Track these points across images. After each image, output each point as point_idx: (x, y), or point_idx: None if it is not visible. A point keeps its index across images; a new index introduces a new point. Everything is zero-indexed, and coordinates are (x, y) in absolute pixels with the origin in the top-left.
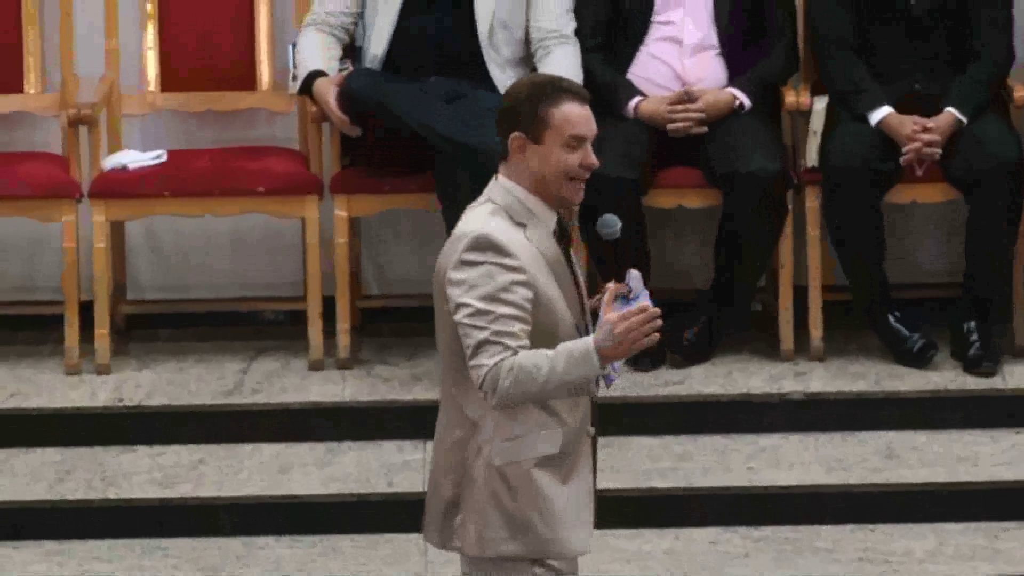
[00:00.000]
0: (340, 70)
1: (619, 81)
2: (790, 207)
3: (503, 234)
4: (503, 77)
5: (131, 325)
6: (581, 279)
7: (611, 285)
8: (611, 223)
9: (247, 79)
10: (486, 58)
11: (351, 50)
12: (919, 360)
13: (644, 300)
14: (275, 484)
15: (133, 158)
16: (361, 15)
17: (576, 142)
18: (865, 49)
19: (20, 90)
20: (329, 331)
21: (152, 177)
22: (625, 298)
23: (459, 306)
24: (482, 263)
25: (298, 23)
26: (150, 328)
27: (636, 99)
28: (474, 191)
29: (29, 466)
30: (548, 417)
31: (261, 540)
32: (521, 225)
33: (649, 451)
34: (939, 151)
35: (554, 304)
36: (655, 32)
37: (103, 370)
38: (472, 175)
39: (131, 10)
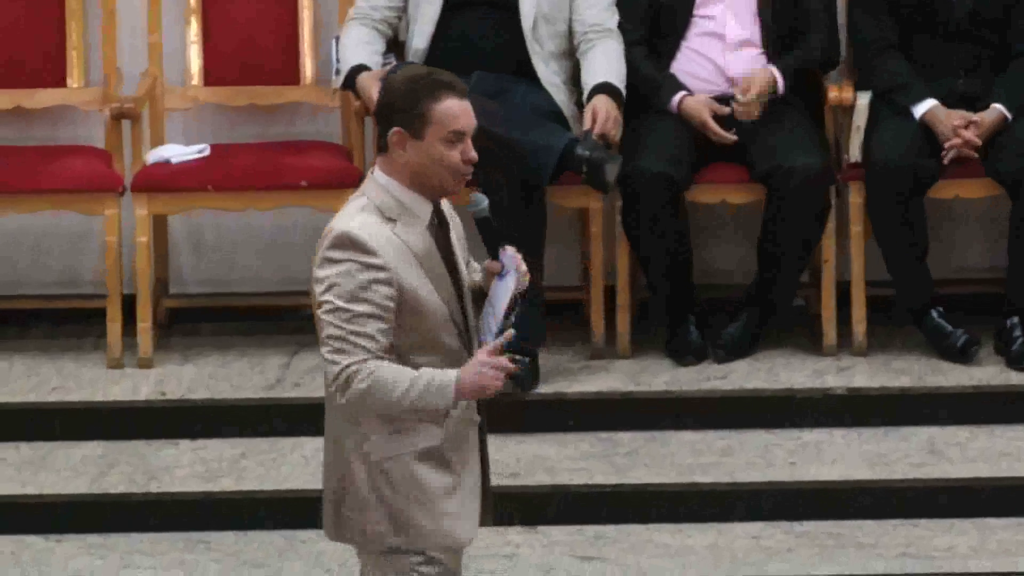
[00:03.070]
0: (383, 65)
1: (662, 76)
2: (833, 203)
3: (367, 231)
4: (547, 71)
5: (173, 319)
6: (463, 269)
7: (487, 262)
8: (478, 200)
9: (290, 74)
10: (530, 52)
11: (395, 45)
12: (962, 356)
13: (511, 279)
14: (317, 478)
15: (176, 152)
16: (405, 9)
17: (456, 137)
18: (907, 51)
19: (63, 84)
20: None
21: (195, 171)
22: (499, 276)
23: (320, 302)
24: (342, 260)
25: (342, 18)
26: (192, 322)
27: (679, 95)
28: (516, 187)
29: (71, 460)
30: None
31: (303, 534)
32: (391, 220)
33: (692, 446)
34: (976, 149)
35: (423, 298)
36: (696, 27)
37: (145, 364)
38: (514, 171)
39: (174, 4)
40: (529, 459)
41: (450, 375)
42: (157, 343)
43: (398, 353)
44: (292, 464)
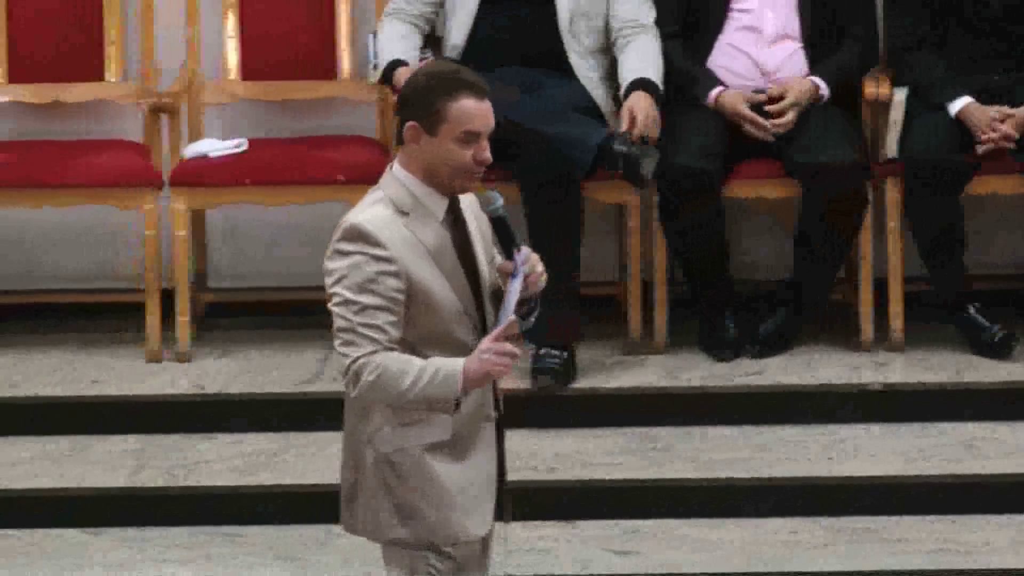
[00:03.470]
0: (421, 59)
1: (699, 71)
2: (870, 198)
3: (376, 224)
4: (583, 66)
5: (211, 313)
6: (482, 262)
7: (501, 262)
8: (493, 199)
9: (327, 68)
10: (566, 47)
11: (432, 40)
12: (999, 351)
13: (517, 282)
14: None
15: (214, 147)
16: (442, 5)
17: (470, 137)
18: (942, 45)
19: (101, 78)
20: None
21: (232, 166)
22: (512, 275)
23: (330, 295)
24: (352, 253)
25: (379, 13)
26: (230, 316)
27: (716, 89)
28: (553, 182)
29: (109, 453)
30: None
31: (340, 528)
32: (404, 214)
33: (727, 441)
34: (1013, 142)
35: (434, 292)
36: (733, 21)
37: (183, 358)
38: (552, 165)
39: None
40: (565, 454)
41: (458, 364)
42: (195, 337)
43: (411, 346)
44: (329, 458)
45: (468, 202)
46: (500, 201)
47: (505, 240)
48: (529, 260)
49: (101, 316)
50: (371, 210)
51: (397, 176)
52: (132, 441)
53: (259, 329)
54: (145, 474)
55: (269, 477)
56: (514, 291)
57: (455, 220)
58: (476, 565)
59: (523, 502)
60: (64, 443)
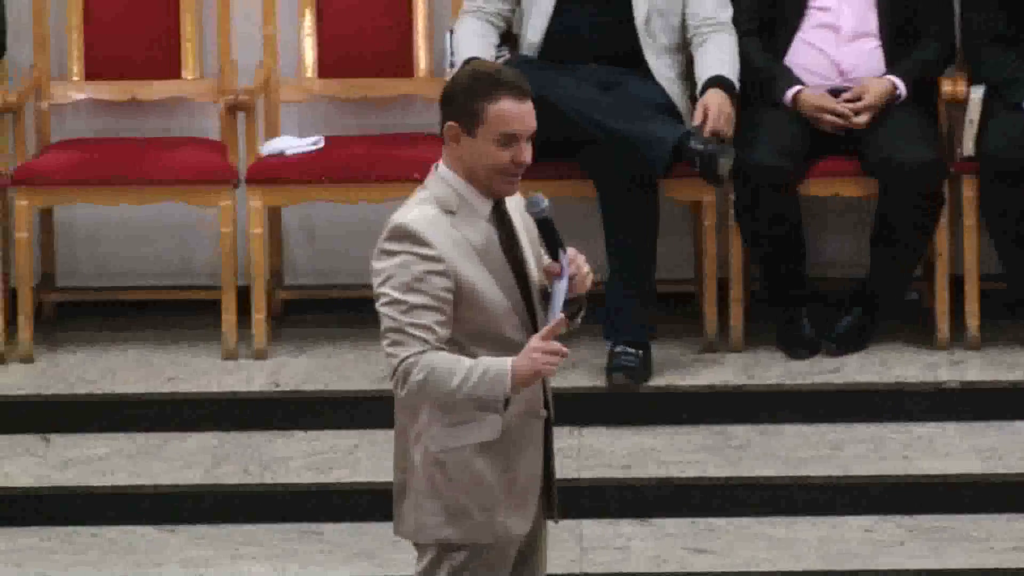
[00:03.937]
0: (497, 57)
1: (776, 69)
2: (947, 196)
3: (423, 223)
4: (659, 64)
5: (287, 311)
6: (530, 261)
7: (546, 264)
8: (538, 202)
9: (404, 66)
10: (643, 45)
11: (509, 38)
12: None
13: (563, 283)
14: None
15: (290, 144)
16: (519, 3)
17: (508, 139)
18: (1018, 43)
19: (178, 76)
20: None
21: (309, 163)
22: (557, 277)
23: (377, 295)
24: (399, 253)
25: (455, 10)
26: (306, 314)
27: (794, 88)
28: (630, 180)
29: (185, 450)
30: None
31: None
32: (450, 213)
33: (804, 439)
34: None
35: (481, 291)
36: (811, 19)
37: (259, 355)
38: (629, 164)
39: None
40: (641, 451)
41: (506, 363)
42: (271, 334)
43: (460, 345)
44: None
45: (514, 201)
46: (545, 203)
47: (551, 241)
48: (575, 261)
49: (178, 313)
50: (417, 209)
51: (442, 175)
52: (208, 438)
53: (335, 327)
54: (221, 471)
55: (345, 474)
56: (560, 292)
57: (501, 219)
58: (503, 563)
59: (599, 499)
60: (140, 440)
